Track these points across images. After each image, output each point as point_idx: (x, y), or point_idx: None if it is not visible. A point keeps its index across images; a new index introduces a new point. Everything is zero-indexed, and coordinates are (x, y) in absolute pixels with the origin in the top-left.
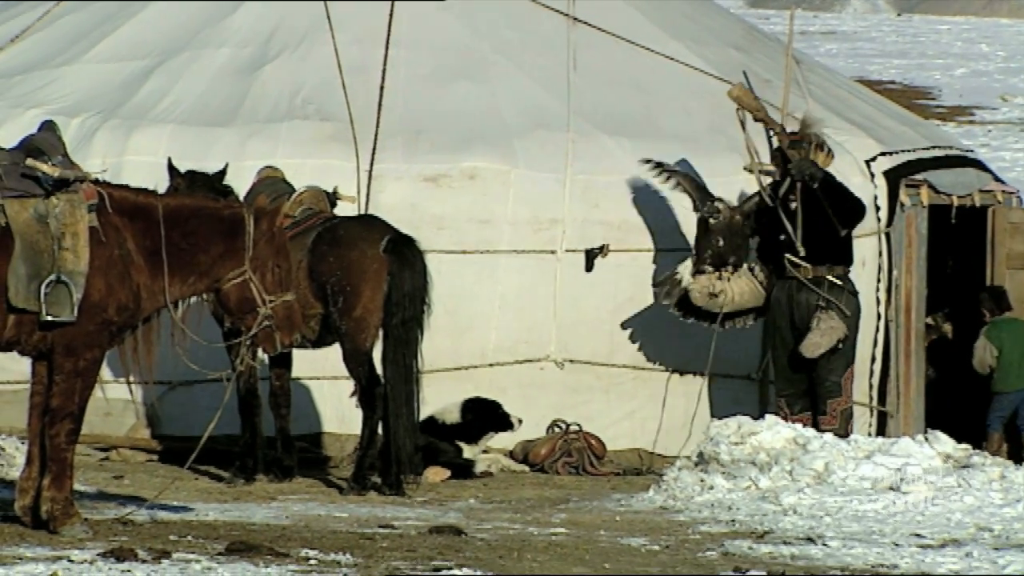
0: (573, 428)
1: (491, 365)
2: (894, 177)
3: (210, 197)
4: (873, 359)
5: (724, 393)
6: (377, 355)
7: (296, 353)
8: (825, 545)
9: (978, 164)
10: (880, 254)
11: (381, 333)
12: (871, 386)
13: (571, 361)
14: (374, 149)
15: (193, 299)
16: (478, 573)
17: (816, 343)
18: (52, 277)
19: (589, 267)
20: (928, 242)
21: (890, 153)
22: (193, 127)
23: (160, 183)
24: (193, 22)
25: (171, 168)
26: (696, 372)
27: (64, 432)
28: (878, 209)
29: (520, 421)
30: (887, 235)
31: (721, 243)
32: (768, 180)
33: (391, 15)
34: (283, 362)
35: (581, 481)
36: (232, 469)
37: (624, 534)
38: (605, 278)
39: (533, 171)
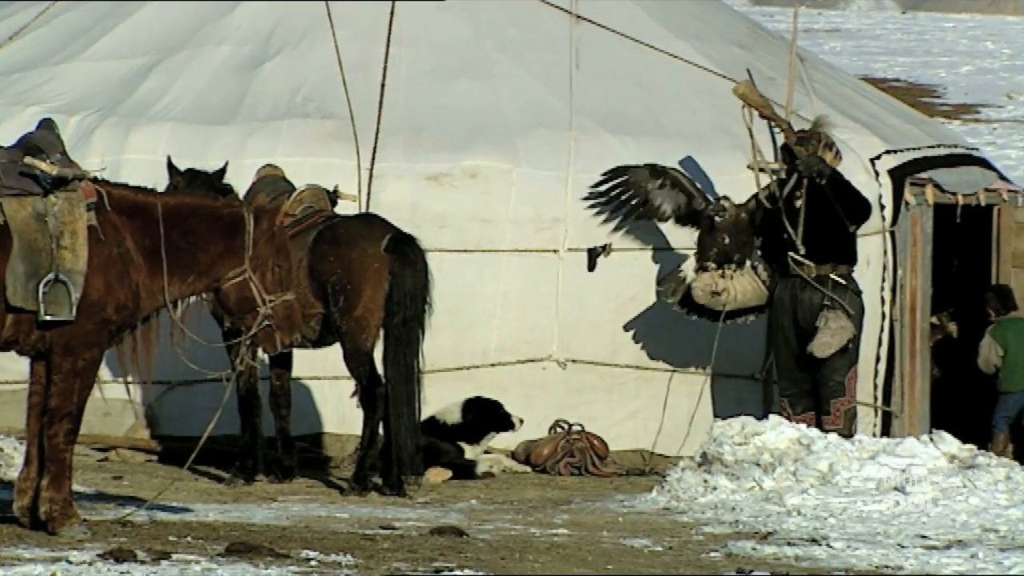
0: (575, 428)
1: (493, 365)
2: (899, 176)
3: (210, 196)
4: (878, 359)
5: (728, 393)
6: (378, 355)
7: (296, 353)
8: (829, 546)
9: (983, 162)
10: (885, 253)
11: (382, 333)
12: (876, 386)
13: (573, 361)
14: (375, 147)
15: (192, 298)
16: (480, 574)
17: (827, 343)
18: (50, 276)
19: (591, 266)
20: (933, 241)
21: (895, 151)
22: (193, 125)
23: (159, 181)
24: (192, 19)
25: (170, 166)
26: (699, 371)
27: (63, 432)
28: (883, 208)
29: (521, 421)
30: (892, 234)
31: (727, 241)
32: (771, 178)
33: (392, 12)
34: (283, 362)
35: (583, 482)
36: (232, 470)
37: (627, 535)
38: (607, 277)
39: (535, 169)
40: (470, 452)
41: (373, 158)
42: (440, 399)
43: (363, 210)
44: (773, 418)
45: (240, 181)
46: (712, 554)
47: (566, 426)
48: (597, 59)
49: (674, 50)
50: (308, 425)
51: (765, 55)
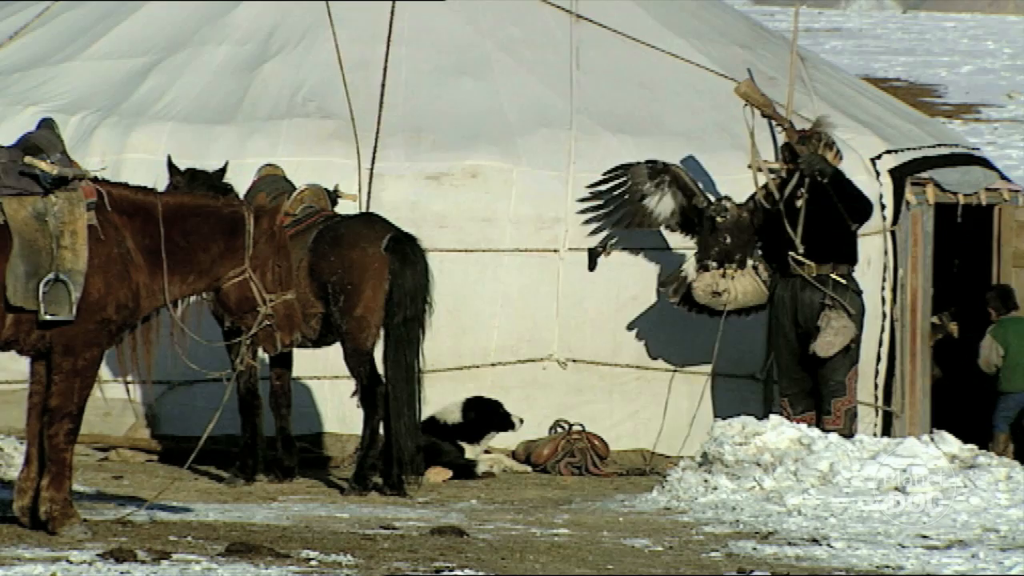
0: (576, 428)
1: (493, 365)
2: (900, 175)
3: (210, 195)
4: (879, 359)
5: (728, 393)
6: (378, 355)
7: (297, 352)
8: (830, 546)
9: (984, 162)
10: (885, 253)
11: (382, 332)
12: (876, 386)
13: (574, 361)
14: (375, 147)
15: (193, 298)
16: (480, 574)
17: (830, 342)
18: (51, 276)
19: (592, 266)
20: (934, 241)
21: (895, 151)
22: (193, 125)
23: (159, 181)
24: (193, 19)
25: (171, 166)
26: (700, 372)
27: (63, 432)
28: (883, 207)
29: (521, 421)
30: (892, 234)
31: (728, 240)
32: (770, 178)
33: (392, 12)
34: (284, 362)
35: (584, 482)
36: (232, 469)
37: (627, 535)
38: (608, 277)
39: (536, 169)
40: (470, 452)
41: (373, 158)
42: (441, 399)
43: (363, 210)
44: (774, 418)
45: (240, 181)
46: (713, 554)
47: (567, 426)
48: (598, 59)
49: (675, 50)
50: (308, 425)
51: (766, 54)
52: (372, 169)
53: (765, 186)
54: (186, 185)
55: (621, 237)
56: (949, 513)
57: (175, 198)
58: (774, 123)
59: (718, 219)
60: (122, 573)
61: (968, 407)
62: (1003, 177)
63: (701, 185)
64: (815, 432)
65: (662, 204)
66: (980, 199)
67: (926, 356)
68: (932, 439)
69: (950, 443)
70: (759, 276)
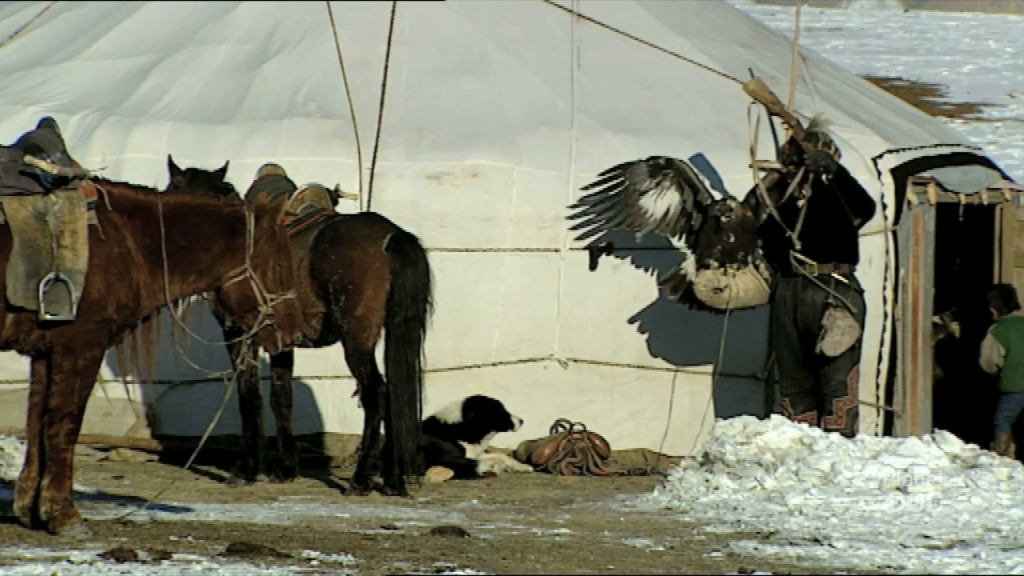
0: (577, 428)
1: (494, 364)
2: (901, 175)
3: (211, 195)
4: (880, 358)
5: (730, 393)
6: (379, 354)
7: (298, 352)
8: (831, 546)
9: (986, 162)
10: (887, 252)
11: (383, 332)
12: (878, 386)
13: (575, 360)
14: (376, 146)
15: (193, 298)
16: (481, 574)
17: (837, 341)
18: (51, 275)
19: (593, 265)
20: (935, 240)
21: (897, 151)
22: (193, 124)
23: (160, 181)
24: (193, 18)
25: (171, 166)
26: (701, 371)
27: (63, 432)
28: (885, 207)
29: (521, 422)
30: (894, 233)
31: (732, 239)
32: (759, 179)
33: (393, 11)
34: (284, 361)
35: (585, 481)
36: (233, 469)
37: (628, 535)
38: (609, 276)
39: (536, 169)
40: (471, 452)
41: (374, 157)
42: (441, 398)
43: (364, 209)
44: (775, 418)
45: (241, 180)
46: (714, 554)
47: (568, 426)
48: (598, 58)
49: (676, 49)
50: (309, 425)
51: (767, 54)
52: (373, 169)
53: (764, 179)
54: (187, 185)
55: (623, 237)
56: (951, 513)
57: (176, 197)
58: (781, 121)
59: (723, 218)
60: (123, 573)
61: (969, 407)
62: (1005, 177)
63: (708, 183)
64: (816, 432)
65: (660, 202)
66: (982, 199)
67: (927, 356)
68: (934, 439)
69: (951, 443)
70: (760, 275)
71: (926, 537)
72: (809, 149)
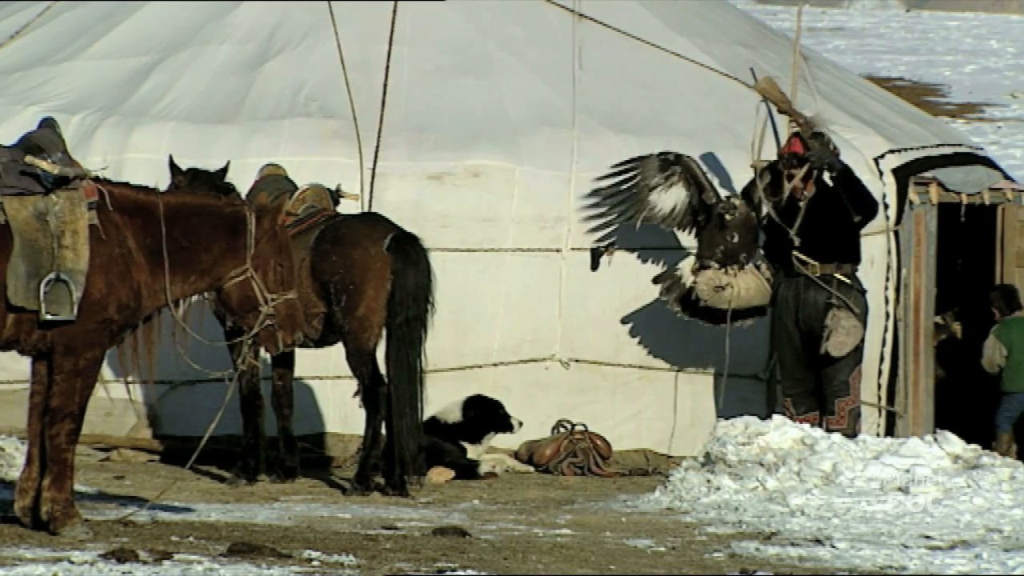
0: (578, 428)
1: (495, 364)
2: (903, 175)
3: (212, 195)
4: (882, 359)
5: (731, 393)
6: (380, 354)
7: (299, 352)
8: (833, 547)
9: (988, 162)
10: (889, 252)
11: (384, 332)
12: (879, 386)
13: (576, 360)
14: (377, 146)
15: (194, 298)
16: (482, 574)
17: (843, 342)
18: (52, 275)
19: (594, 266)
20: (937, 240)
21: (899, 151)
22: (195, 124)
23: (161, 181)
24: (195, 18)
25: (172, 166)
26: (703, 372)
27: (64, 432)
28: (887, 207)
29: (520, 424)
30: (896, 233)
31: (736, 239)
32: (769, 178)
33: (394, 11)
34: (285, 361)
35: (586, 482)
36: (234, 469)
37: (630, 535)
38: (610, 277)
39: (538, 169)
40: (473, 452)
41: (375, 157)
42: (443, 399)
43: (365, 209)
44: (777, 418)
45: (242, 180)
46: (715, 554)
47: (569, 426)
48: (600, 58)
49: (677, 49)
50: (310, 425)
51: (769, 54)
52: (374, 169)
53: (753, 182)
54: (188, 185)
55: (624, 236)
56: (952, 513)
57: (177, 198)
58: (789, 120)
59: (727, 216)
60: (124, 573)
61: (971, 407)
62: (1007, 177)
63: (717, 181)
64: (818, 432)
65: (667, 197)
66: (984, 199)
67: (929, 356)
68: (935, 439)
69: (953, 443)
70: (762, 275)
71: (928, 538)
72: (814, 147)
